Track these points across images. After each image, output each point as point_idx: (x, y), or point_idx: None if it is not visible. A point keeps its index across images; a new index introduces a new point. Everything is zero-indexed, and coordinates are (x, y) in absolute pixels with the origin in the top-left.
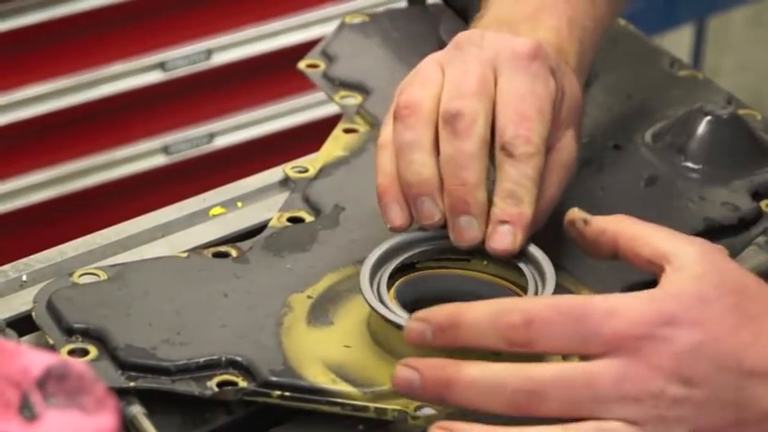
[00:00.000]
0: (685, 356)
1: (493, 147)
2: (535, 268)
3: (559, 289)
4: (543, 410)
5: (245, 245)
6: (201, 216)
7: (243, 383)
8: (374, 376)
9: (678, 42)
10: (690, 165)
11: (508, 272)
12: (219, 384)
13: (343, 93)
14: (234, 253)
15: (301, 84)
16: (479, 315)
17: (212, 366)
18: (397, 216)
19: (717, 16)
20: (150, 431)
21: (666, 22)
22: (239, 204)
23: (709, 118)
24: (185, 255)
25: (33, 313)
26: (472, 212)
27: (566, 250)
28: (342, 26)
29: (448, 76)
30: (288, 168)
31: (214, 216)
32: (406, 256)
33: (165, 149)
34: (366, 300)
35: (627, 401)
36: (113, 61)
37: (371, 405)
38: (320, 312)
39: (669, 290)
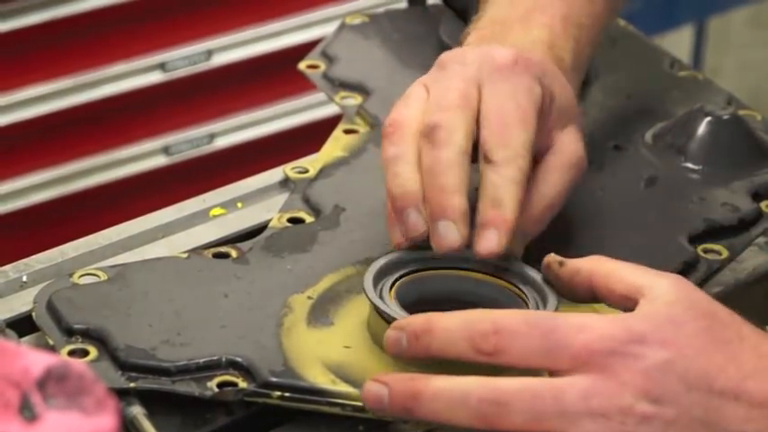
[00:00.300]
0: (655, 374)
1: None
2: (537, 292)
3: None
4: (507, 423)
5: (245, 245)
6: (202, 217)
7: (243, 384)
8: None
9: (678, 43)
10: (690, 165)
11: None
12: (220, 385)
13: (343, 93)
14: (234, 253)
15: (301, 84)
16: (451, 323)
17: (212, 367)
18: (395, 235)
19: (717, 16)
20: None
21: (666, 22)
22: (239, 205)
23: (709, 118)
24: (185, 255)
25: (33, 314)
26: (449, 217)
27: (569, 253)
28: (342, 27)
29: (431, 95)
30: (288, 169)
31: (214, 217)
32: (416, 267)
33: (166, 150)
34: (368, 296)
35: (594, 417)
36: (114, 62)
37: None
38: (320, 313)
39: (640, 313)
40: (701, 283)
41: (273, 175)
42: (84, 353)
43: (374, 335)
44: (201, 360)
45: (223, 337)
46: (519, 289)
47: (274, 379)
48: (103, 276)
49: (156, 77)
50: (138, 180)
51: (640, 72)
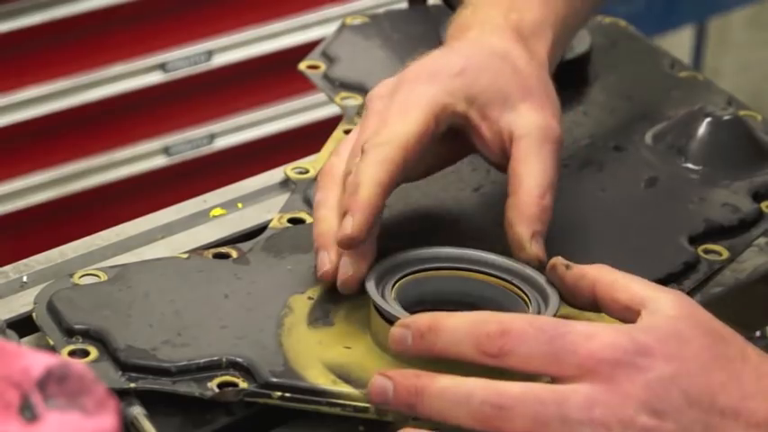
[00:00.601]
0: (658, 387)
1: None
2: (540, 294)
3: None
4: (509, 426)
5: (245, 246)
6: (202, 217)
7: (243, 384)
8: None
9: (678, 44)
10: (690, 166)
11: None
12: (220, 385)
13: (343, 94)
14: (234, 254)
15: (302, 85)
16: (457, 323)
17: (213, 367)
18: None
19: (717, 17)
20: None
21: (667, 23)
22: (239, 205)
23: (709, 119)
24: (186, 256)
25: (34, 314)
26: (322, 246)
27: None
28: (342, 27)
29: (356, 140)
30: (288, 169)
31: (214, 217)
32: (418, 268)
33: (166, 150)
34: (370, 296)
35: (595, 426)
36: (114, 62)
37: (372, 406)
38: (321, 313)
39: (645, 325)
40: (702, 284)
41: (274, 175)
42: (85, 353)
43: (375, 335)
44: (202, 360)
45: (223, 337)
46: (520, 290)
47: (275, 379)
48: (104, 277)
49: (156, 78)
50: (138, 180)
51: (640, 72)
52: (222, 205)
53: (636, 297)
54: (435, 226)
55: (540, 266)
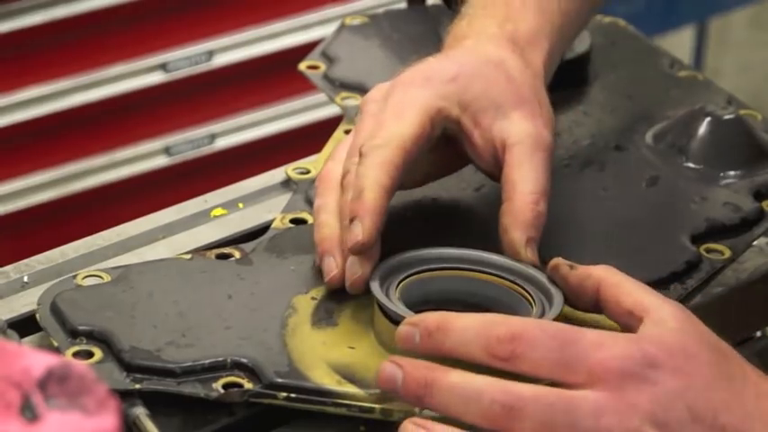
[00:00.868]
0: (664, 401)
1: None
2: (543, 294)
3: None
4: (516, 428)
5: (248, 246)
6: (203, 217)
7: (248, 385)
8: None
9: (679, 44)
10: (691, 165)
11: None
12: (225, 386)
13: (343, 94)
14: (237, 254)
15: (302, 85)
16: (468, 323)
17: (218, 368)
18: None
19: (717, 17)
20: None
21: (667, 23)
22: (240, 205)
23: (710, 118)
24: (189, 256)
25: (37, 315)
26: (328, 251)
27: (571, 254)
28: (341, 27)
29: (350, 144)
30: (289, 170)
31: (215, 217)
32: (422, 268)
33: (167, 150)
34: (375, 296)
35: None
36: (115, 62)
37: (377, 406)
38: (324, 313)
39: (653, 336)
40: (703, 284)
41: (274, 175)
42: (89, 354)
43: (379, 335)
44: (207, 361)
45: (228, 338)
46: (524, 290)
47: (280, 380)
48: (107, 278)
49: (157, 78)
50: (139, 180)
51: (641, 72)
52: (223, 205)
53: (639, 303)
54: (437, 226)
55: None
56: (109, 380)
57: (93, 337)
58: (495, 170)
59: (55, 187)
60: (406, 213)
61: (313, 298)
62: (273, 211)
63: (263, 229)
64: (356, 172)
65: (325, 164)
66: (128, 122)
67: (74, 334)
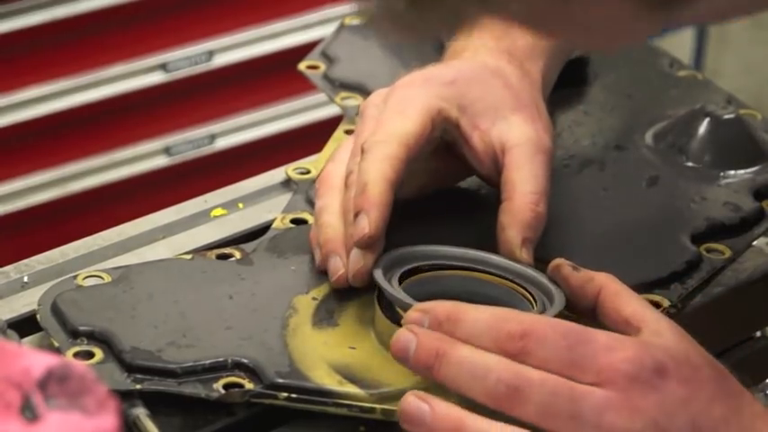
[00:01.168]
0: (669, 409)
1: None
2: (544, 294)
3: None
4: (519, 410)
5: (248, 247)
6: (203, 217)
7: (249, 385)
8: (380, 378)
9: (679, 44)
10: (691, 165)
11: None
12: (226, 386)
13: (343, 94)
14: (238, 255)
15: (302, 85)
16: (480, 316)
17: (218, 368)
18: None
19: None
20: None
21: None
22: (240, 206)
23: (710, 118)
24: (189, 257)
25: (38, 316)
26: (333, 251)
27: (571, 253)
28: (341, 27)
29: (353, 145)
30: (289, 170)
31: (215, 217)
32: (425, 263)
33: (167, 150)
34: (378, 282)
35: (602, 431)
36: (115, 62)
37: (378, 407)
38: (325, 314)
39: (660, 344)
40: (703, 284)
41: (274, 175)
42: (90, 355)
43: (379, 335)
44: (207, 362)
45: (228, 338)
46: (526, 290)
47: (281, 380)
48: (108, 278)
49: (157, 78)
50: (138, 180)
51: (640, 72)
52: (223, 205)
53: (638, 314)
54: (438, 226)
55: None
56: (109, 380)
57: (93, 337)
58: (493, 174)
59: (54, 187)
60: (407, 213)
61: (314, 298)
62: (273, 212)
63: (263, 230)
64: (359, 168)
65: (326, 165)
66: (128, 122)
67: (74, 334)
